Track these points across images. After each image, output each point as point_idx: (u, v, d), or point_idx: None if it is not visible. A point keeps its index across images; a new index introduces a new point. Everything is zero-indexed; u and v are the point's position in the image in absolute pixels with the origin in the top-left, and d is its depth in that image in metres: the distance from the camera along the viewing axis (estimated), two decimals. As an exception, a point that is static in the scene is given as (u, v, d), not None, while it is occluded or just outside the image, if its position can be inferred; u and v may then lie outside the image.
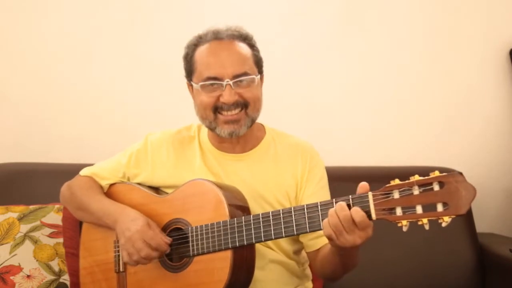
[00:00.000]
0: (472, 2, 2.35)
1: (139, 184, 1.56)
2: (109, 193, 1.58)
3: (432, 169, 2.35)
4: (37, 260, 1.77)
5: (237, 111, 1.40)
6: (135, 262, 1.37)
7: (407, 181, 1.10)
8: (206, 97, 1.41)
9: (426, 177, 1.08)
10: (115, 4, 2.36)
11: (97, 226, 1.55)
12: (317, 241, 1.42)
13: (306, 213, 1.23)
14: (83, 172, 1.63)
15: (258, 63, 1.46)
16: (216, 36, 1.43)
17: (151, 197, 1.49)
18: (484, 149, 2.35)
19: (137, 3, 2.37)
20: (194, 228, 1.36)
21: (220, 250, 1.31)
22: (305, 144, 1.55)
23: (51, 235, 1.84)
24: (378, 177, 2.15)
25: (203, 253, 1.34)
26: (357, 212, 1.12)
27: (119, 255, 1.49)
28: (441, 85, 2.36)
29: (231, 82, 1.38)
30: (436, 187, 1.07)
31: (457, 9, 2.35)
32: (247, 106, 1.41)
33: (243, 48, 1.43)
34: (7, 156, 2.23)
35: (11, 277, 1.73)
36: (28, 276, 1.74)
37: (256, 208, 1.44)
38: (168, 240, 1.37)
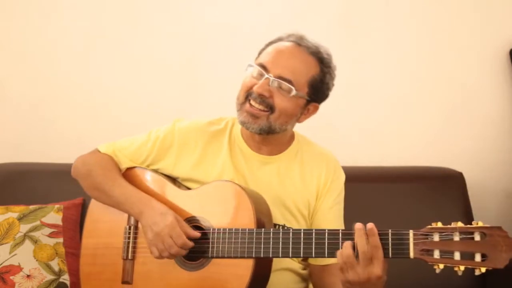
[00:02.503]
0: (471, 2, 2.35)
1: (155, 171, 1.50)
2: (125, 175, 1.50)
3: (432, 169, 2.34)
4: (37, 260, 1.78)
5: (262, 107, 1.38)
6: (165, 258, 1.34)
7: (449, 226, 1.12)
8: (248, 78, 1.41)
9: (469, 226, 1.10)
10: (114, 4, 2.36)
11: (106, 208, 1.48)
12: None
13: (340, 237, 1.21)
14: (102, 149, 1.54)
15: (315, 88, 1.42)
16: (297, 42, 1.42)
17: (172, 189, 1.45)
18: (484, 149, 2.34)
19: (136, 3, 2.37)
20: (216, 229, 1.33)
21: (242, 257, 1.28)
22: (330, 155, 1.55)
23: (51, 235, 1.84)
24: (378, 177, 2.16)
25: (223, 257, 1.31)
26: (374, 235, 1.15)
27: (129, 242, 1.45)
28: (441, 85, 2.35)
29: (271, 78, 1.36)
30: (477, 237, 1.09)
31: (456, 9, 2.35)
32: (272, 111, 1.38)
33: (308, 64, 1.41)
34: (7, 156, 2.23)
35: (11, 277, 1.73)
36: (28, 276, 1.74)
37: (275, 212, 1.42)
38: (197, 235, 1.33)
